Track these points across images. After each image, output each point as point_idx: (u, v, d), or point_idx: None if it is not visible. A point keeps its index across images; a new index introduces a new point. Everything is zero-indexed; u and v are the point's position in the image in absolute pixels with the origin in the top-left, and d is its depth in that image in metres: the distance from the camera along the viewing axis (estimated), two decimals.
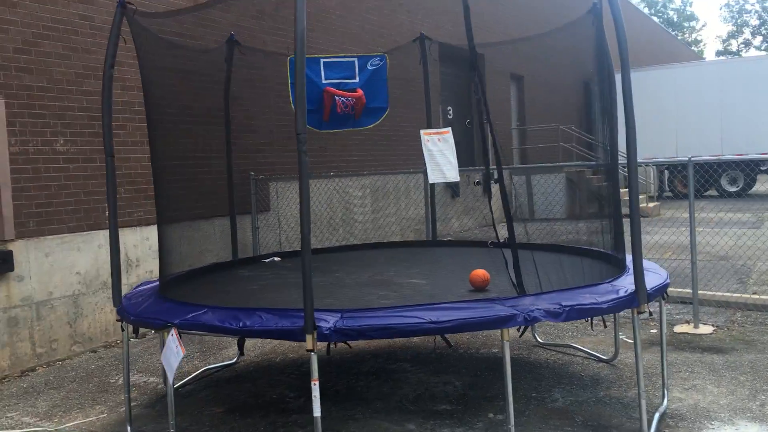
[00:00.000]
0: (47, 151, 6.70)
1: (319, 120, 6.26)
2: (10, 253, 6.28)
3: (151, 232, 7.69)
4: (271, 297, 4.48)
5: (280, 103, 9.02)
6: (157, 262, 7.71)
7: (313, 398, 3.42)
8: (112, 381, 5.90)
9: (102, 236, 7.15)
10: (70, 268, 6.84)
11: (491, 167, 4.21)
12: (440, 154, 4.14)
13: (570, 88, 20.49)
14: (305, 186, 3.37)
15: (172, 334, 3.71)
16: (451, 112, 15.09)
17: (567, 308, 3.63)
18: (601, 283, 4.12)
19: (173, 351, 3.66)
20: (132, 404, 5.24)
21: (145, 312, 4.09)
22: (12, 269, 6.29)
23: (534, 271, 4.22)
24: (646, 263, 4.82)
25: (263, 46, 8.47)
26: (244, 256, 8.29)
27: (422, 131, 4.22)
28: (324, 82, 6.18)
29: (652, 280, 4.30)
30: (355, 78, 6.26)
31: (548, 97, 18.65)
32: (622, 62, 3.79)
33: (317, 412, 3.43)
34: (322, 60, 6.20)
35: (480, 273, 4.33)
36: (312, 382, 3.44)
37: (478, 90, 3.95)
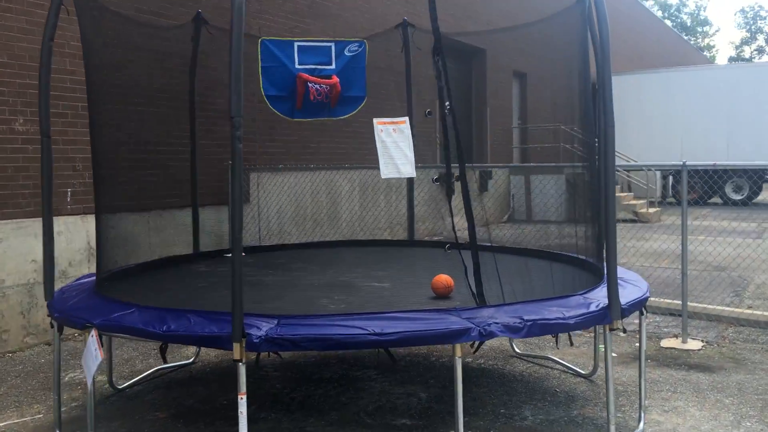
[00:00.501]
0: (5, 130, 6.34)
1: (292, 107, 5.87)
2: None
3: (116, 219, 7.35)
4: (215, 297, 4.10)
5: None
6: (160, 245, 7.43)
7: (239, 414, 3.06)
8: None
9: (62, 222, 6.81)
10: (25, 256, 6.49)
11: (453, 163, 3.83)
12: (395, 146, 3.76)
13: (575, 88, 20.03)
14: (238, 179, 3.01)
15: (92, 336, 3.34)
16: (447, 106, 14.65)
17: (529, 323, 3.25)
18: (573, 295, 3.74)
19: (92, 354, 3.30)
20: (73, 404, 4.91)
21: (70, 309, 3.73)
22: None
23: (504, 279, 3.84)
24: (626, 273, 4.44)
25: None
26: (218, 248, 7.95)
27: (375, 120, 3.85)
28: (297, 67, 5.79)
29: (629, 293, 3.93)
30: (331, 64, 5.87)
31: (552, 95, 18.21)
32: (601, 58, 3.41)
33: (243, 430, 3.06)
34: (296, 43, 5.81)
35: (442, 279, 3.96)
36: (239, 396, 3.07)
37: (441, 76, 3.57)
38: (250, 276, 4.71)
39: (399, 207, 11.69)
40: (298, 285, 4.56)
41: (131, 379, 5.29)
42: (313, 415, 4.56)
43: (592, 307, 3.55)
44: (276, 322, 3.19)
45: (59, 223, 6.78)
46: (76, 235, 7.02)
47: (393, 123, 3.80)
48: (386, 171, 3.78)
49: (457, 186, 3.64)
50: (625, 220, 14.77)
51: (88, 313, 3.50)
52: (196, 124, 6.13)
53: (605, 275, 4.10)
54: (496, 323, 3.19)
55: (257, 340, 3.01)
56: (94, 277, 4.75)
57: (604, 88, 3.42)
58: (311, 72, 5.80)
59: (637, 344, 6.08)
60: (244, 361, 3.03)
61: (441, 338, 3.13)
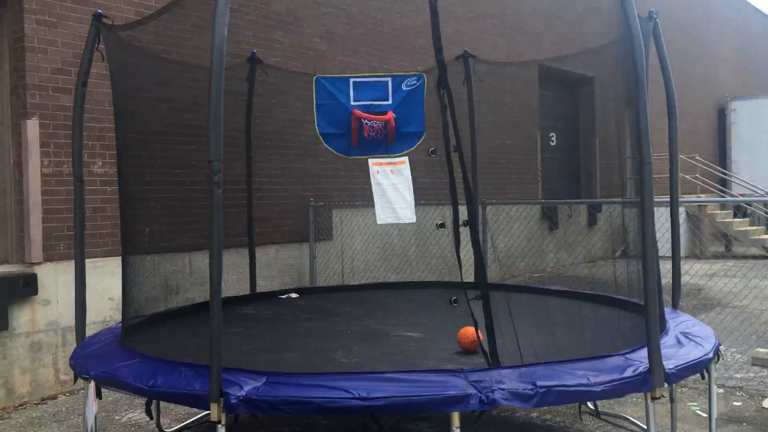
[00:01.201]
0: (84, 173, 6.56)
1: (348, 145, 5.69)
2: (35, 276, 6.16)
3: (193, 258, 7.44)
4: (238, 345, 3.93)
5: None
6: (196, 288, 7.48)
7: None
8: (117, 417, 5.58)
9: (139, 260, 6.94)
10: (102, 293, 6.65)
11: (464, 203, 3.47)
12: (393, 189, 3.46)
13: (699, 114, 18.81)
14: (217, 224, 2.83)
15: (91, 386, 3.25)
16: (554, 138, 14.12)
17: (542, 390, 2.84)
18: (612, 355, 3.27)
19: (89, 405, 3.21)
20: None
21: (83, 356, 3.67)
22: (36, 293, 6.16)
23: (539, 332, 3.43)
24: (695, 327, 3.89)
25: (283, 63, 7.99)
26: (297, 286, 7.89)
27: (370, 161, 3.57)
28: (353, 103, 5.62)
29: (686, 353, 3.40)
30: (387, 99, 5.65)
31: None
32: (635, 84, 3.00)
33: None
34: (351, 80, 5.65)
35: (468, 332, 3.59)
36: None
37: (446, 112, 3.26)
38: (283, 321, 4.54)
39: (499, 244, 11.22)
40: (325, 334, 4.32)
41: (181, 423, 5.23)
42: None
43: (629, 372, 3.07)
44: (264, 380, 2.97)
45: (136, 261, 6.95)
46: (153, 273, 7.14)
47: (391, 164, 3.52)
48: (383, 216, 3.50)
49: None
50: (755, 257, 13.51)
51: (92, 363, 3.43)
52: (253, 163, 6.07)
53: (667, 328, 3.60)
54: (502, 389, 2.80)
55: (235, 401, 2.80)
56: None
57: (638, 118, 2.99)
58: (367, 108, 5.61)
59: (736, 403, 5.40)
60: (222, 423, 2.82)
61: (434, 405, 2.78)
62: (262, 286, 7.70)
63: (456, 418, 2.78)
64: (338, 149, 5.70)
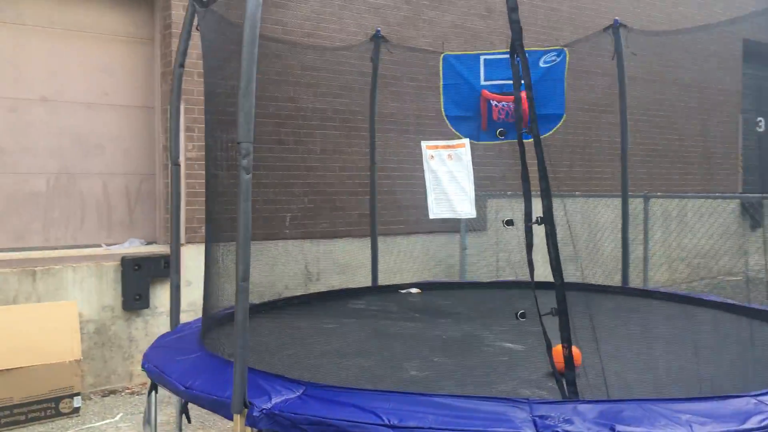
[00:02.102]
0: (225, 157, 6.63)
1: (477, 129, 5.18)
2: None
3: (335, 245, 7.30)
4: (312, 345, 3.63)
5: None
6: (338, 277, 7.34)
7: None
8: None
9: (280, 246, 6.93)
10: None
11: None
12: (449, 177, 2.89)
13: None
14: (244, 213, 2.52)
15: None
16: (762, 123, 12.43)
17: None
18: (740, 396, 2.53)
19: (150, 401, 3.06)
20: None
21: (157, 346, 3.56)
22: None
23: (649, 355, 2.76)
24: None
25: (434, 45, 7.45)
26: (439, 279, 7.52)
27: (423, 143, 3.00)
28: (483, 83, 5.09)
29: None
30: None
31: None
32: None
33: None
34: (482, 57, 5.12)
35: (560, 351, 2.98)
36: None
37: (520, 87, 2.66)
38: (383, 320, 4.17)
39: (682, 241, 10.03)
40: (417, 337, 3.88)
41: None
42: None
43: (752, 422, 2.33)
44: (301, 391, 2.62)
45: (279, 247, 6.94)
46: (294, 260, 7.10)
47: (448, 147, 2.96)
48: (436, 209, 2.95)
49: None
50: None
51: (154, 354, 3.29)
52: (376, 146, 5.72)
53: None
54: (567, 431, 2.22)
55: (257, 414, 2.48)
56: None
57: None
58: (499, 88, 5.05)
59: None
60: None
61: None
62: (405, 278, 7.41)
63: None
64: (466, 133, 5.19)
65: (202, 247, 6.41)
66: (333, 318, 4.35)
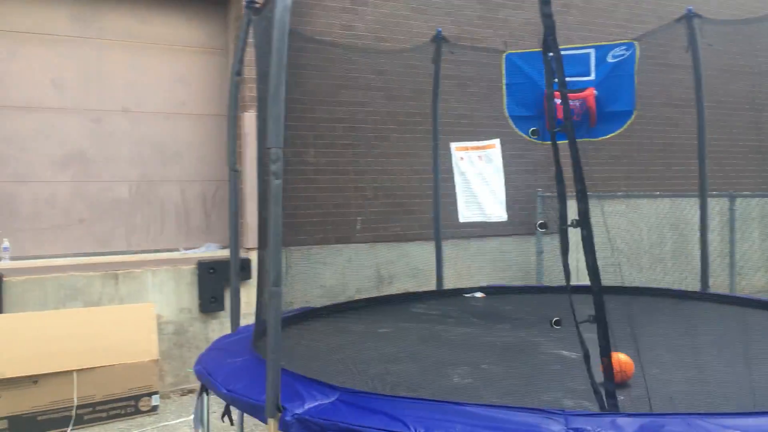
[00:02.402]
0: (296, 162, 6.75)
1: (542, 128, 5.03)
2: (248, 261, 6.46)
3: (410, 248, 7.28)
4: (363, 350, 3.62)
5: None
6: (410, 280, 7.31)
7: None
8: None
9: (352, 250, 6.98)
10: (313, 280, 6.79)
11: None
12: (480, 179, 2.77)
13: None
14: (275, 218, 2.54)
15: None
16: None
17: None
18: None
19: (198, 403, 3.14)
20: None
21: (211, 348, 3.64)
22: (249, 277, 6.46)
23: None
24: None
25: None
26: (518, 283, 7.40)
27: (453, 145, 2.90)
28: None
29: None
30: (590, 74, 4.89)
31: None
32: None
33: None
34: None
35: (617, 361, 2.85)
36: None
37: (552, 82, 2.54)
38: (440, 324, 4.11)
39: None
40: (470, 343, 3.80)
41: None
42: None
43: None
44: (335, 396, 2.62)
45: (350, 251, 6.99)
46: (365, 263, 7.13)
47: (478, 148, 2.85)
48: (466, 213, 2.87)
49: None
50: None
51: (204, 356, 3.37)
52: (438, 149, 5.66)
53: None
54: None
55: (289, 419, 2.49)
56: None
57: None
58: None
59: None
60: None
61: None
62: (477, 281, 7.32)
63: None
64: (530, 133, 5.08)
65: None
66: (391, 322, 4.33)
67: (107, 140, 6.26)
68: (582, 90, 4.86)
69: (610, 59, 4.89)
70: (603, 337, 2.45)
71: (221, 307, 6.33)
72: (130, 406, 5.52)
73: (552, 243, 8.14)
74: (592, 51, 4.95)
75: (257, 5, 4.05)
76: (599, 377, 2.46)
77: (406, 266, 7.29)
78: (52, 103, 6.07)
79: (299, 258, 6.73)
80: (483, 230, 7.78)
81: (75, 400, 5.28)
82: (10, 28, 5.93)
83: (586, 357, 2.57)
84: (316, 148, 6.84)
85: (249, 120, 6.48)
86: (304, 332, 4.22)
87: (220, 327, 6.36)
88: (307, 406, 2.55)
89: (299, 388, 2.70)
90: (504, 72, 5.10)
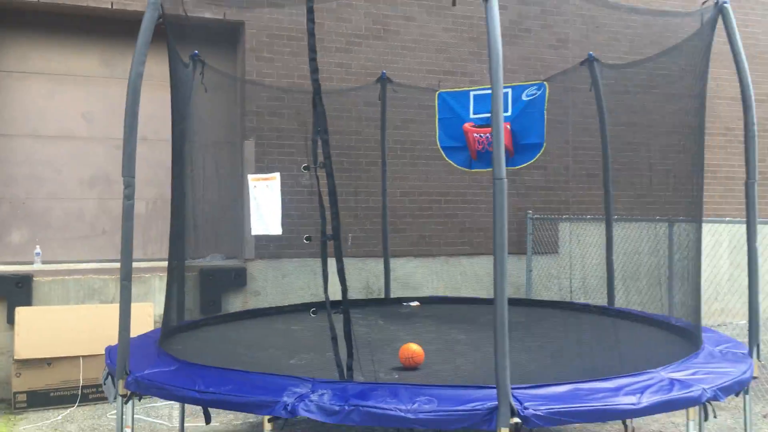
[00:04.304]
0: (292, 184, 7.64)
1: (468, 158, 5.70)
2: (244, 270, 7.41)
3: (395, 263, 7.99)
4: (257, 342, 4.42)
5: (579, 138, 8.28)
6: (399, 291, 8.02)
7: None
8: None
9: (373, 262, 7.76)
10: (305, 290, 7.64)
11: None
12: (267, 203, 3.48)
13: None
14: (125, 232, 3.40)
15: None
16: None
17: (349, 409, 2.79)
18: (480, 387, 2.96)
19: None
20: None
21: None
22: (245, 284, 7.40)
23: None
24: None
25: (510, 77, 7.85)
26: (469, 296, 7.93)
27: (249, 176, 3.64)
28: (472, 116, 5.61)
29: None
30: (506, 111, 5.50)
31: None
32: None
33: None
34: (471, 93, 5.64)
35: (405, 350, 3.52)
36: None
37: (319, 127, 3.22)
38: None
39: None
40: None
41: None
42: None
43: (476, 404, 2.78)
44: (176, 366, 3.45)
45: (333, 264, 7.80)
46: (355, 275, 7.90)
47: (266, 179, 3.58)
48: (256, 227, 3.59)
49: None
50: None
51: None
52: (386, 177, 6.39)
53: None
54: (311, 401, 2.83)
55: (130, 379, 3.34)
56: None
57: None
58: (486, 121, 5.55)
59: None
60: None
61: (242, 406, 2.94)
62: (460, 293, 7.93)
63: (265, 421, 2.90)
64: (459, 162, 5.74)
65: (270, 263, 7.47)
66: (297, 321, 5.11)
67: None
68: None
69: (524, 97, 5.49)
70: (346, 327, 3.17)
71: (219, 309, 7.28)
72: None
73: (546, 262, 8.65)
74: (509, 90, 5.56)
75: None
76: (344, 356, 3.17)
77: (394, 279, 8.01)
78: (82, 133, 7.27)
79: (292, 269, 7.61)
80: (473, 249, 8.43)
81: (81, 381, 6.34)
82: (50, 71, 7.19)
83: (334, 340, 3.28)
84: (310, 171, 7.69)
85: (248, 147, 7.45)
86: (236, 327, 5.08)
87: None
88: (146, 371, 3.40)
89: (157, 361, 3.55)
90: (437, 108, 5.79)
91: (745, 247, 3.85)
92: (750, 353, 3.82)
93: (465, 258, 8.37)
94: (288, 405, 2.85)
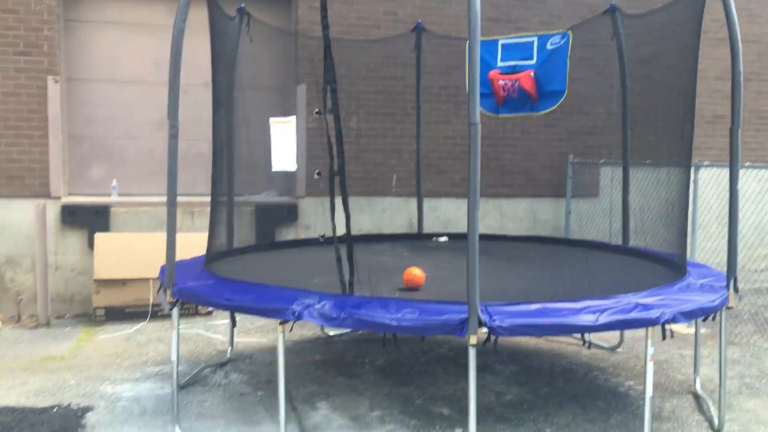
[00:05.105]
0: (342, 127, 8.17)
1: (495, 104, 6.08)
2: (295, 206, 8.08)
3: (438, 203, 8.50)
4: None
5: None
6: (439, 229, 8.53)
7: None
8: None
9: (387, 202, 8.34)
10: (353, 226, 8.23)
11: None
12: (284, 143, 3.95)
13: None
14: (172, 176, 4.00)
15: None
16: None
17: (343, 316, 3.39)
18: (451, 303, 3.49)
19: None
20: None
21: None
22: (296, 219, 8.08)
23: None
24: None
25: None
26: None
27: (271, 119, 4.11)
28: (500, 64, 5.98)
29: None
30: (531, 59, 5.85)
31: None
32: None
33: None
34: (500, 41, 5.99)
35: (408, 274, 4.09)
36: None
37: (329, 75, 3.69)
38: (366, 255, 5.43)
39: None
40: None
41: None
42: None
43: (451, 315, 3.32)
44: (213, 281, 4.12)
45: (384, 203, 8.38)
46: (399, 213, 8.46)
47: (283, 122, 4.06)
48: (276, 165, 4.10)
49: None
50: None
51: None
52: (421, 122, 6.84)
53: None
54: (314, 309, 3.44)
55: (175, 290, 4.04)
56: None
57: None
58: (512, 68, 5.91)
59: None
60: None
61: (266, 312, 3.57)
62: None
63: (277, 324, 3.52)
64: (487, 108, 6.13)
65: (320, 200, 8.10)
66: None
67: (193, 107, 8.05)
68: (516, 72, 5.84)
69: (549, 46, 5.80)
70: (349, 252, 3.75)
71: (272, 239, 7.99)
72: (192, 308, 7.35)
73: (587, 205, 8.97)
74: (535, 39, 5.87)
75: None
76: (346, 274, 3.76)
77: (436, 218, 8.53)
78: (152, 78, 7.98)
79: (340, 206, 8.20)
80: (514, 191, 8.85)
81: (150, 299, 7.19)
82: (123, 20, 7.89)
83: (339, 260, 3.85)
84: (358, 115, 8.23)
85: (301, 92, 8.03)
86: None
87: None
88: (188, 284, 4.08)
89: (198, 276, 4.24)
90: (467, 56, 6.13)
91: None
92: (727, 285, 4.18)
93: (504, 200, 8.78)
94: (296, 311, 3.46)
